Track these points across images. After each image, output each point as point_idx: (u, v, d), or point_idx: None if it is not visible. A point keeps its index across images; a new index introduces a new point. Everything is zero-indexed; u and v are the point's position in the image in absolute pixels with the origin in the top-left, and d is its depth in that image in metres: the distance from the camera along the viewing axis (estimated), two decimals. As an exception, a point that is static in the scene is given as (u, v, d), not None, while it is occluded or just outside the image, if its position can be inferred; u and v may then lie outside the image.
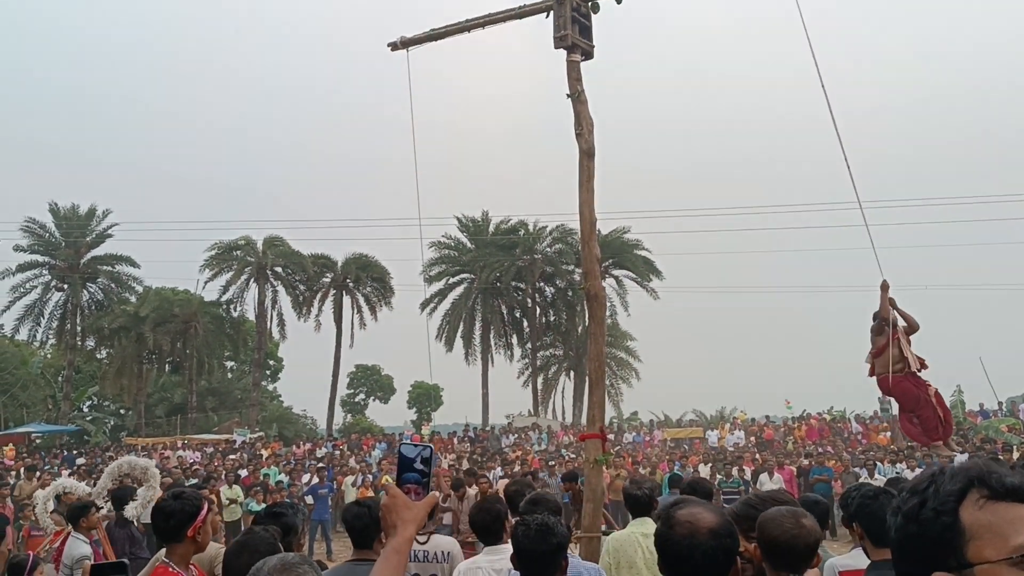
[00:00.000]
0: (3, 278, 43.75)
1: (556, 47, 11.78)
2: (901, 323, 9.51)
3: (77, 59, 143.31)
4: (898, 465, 19.51)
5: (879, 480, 17.32)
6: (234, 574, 3.06)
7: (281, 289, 46.79)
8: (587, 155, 11.39)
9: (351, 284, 47.15)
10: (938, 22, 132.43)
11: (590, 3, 11.71)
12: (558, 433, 35.18)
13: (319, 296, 47.02)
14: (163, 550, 3.78)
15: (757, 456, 24.53)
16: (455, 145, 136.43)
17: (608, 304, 35.46)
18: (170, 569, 3.63)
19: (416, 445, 2.14)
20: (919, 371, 9.18)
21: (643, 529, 5.30)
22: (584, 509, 8.25)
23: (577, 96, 11.51)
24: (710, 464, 22.25)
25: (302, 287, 46.56)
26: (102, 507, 8.27)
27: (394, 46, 11.39)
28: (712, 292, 67.02)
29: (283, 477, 20.93)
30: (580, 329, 46.37)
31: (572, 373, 49.08)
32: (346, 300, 47.35)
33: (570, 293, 46.76)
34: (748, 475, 20.65)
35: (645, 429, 39.96)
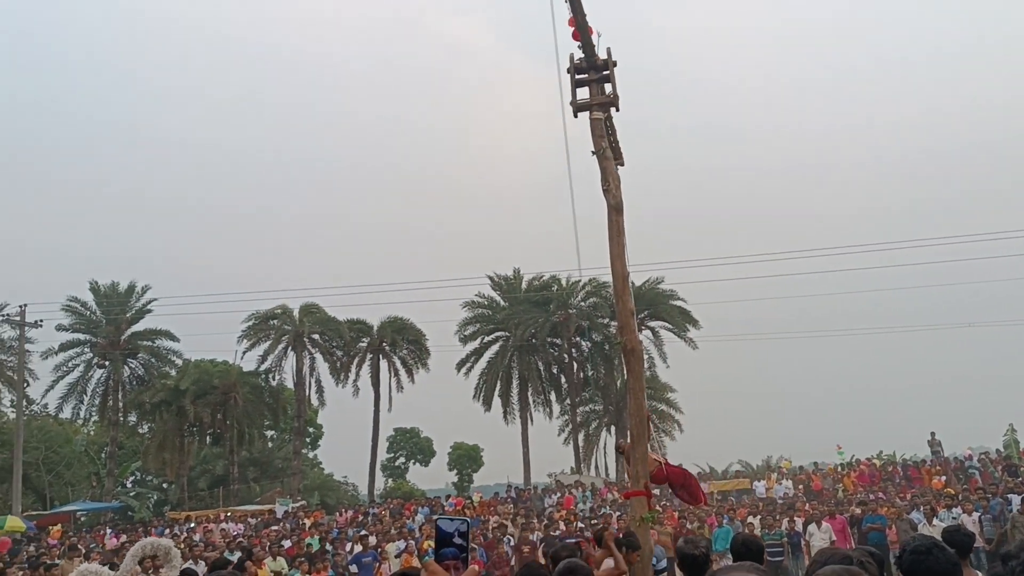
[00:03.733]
0: (46, 358, 44.51)
1: (575, 114, 11.92)
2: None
3: (112, 148, 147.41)
4: (954, 510, 18.91)
5: (937, 526, 16.79)
6: None
7: (318, 356, 47.10)
8: (615, 210, 11.44)
9: (387, 348, 47.31)
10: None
11: (595, 56, 11.82)
12: (602, 490, 34.63)
13: (356, 361, 47.20)
14: None
15: (807, 506, 23.90)
16: (485, 204, 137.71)
17: (646, 356, 35.22)
18: None
19: (453, 519, 2.11)
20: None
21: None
22: (635, 570, 8.06)
23: (602, 153, 11.60)
24: (759, 516, 21.73)
25: (339, 353, 46.79)
26: None
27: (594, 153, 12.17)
28: (752, 339, 66.25)
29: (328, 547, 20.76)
30: (619, 383, 45.96)
31: (613, 428, 48.52)
32: (383, 364, 47.51)
33: (607, 347, 46.44)
34: (799, 526, 20.13)
35: (690, 482, 39.19)
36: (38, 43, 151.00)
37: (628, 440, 11.19)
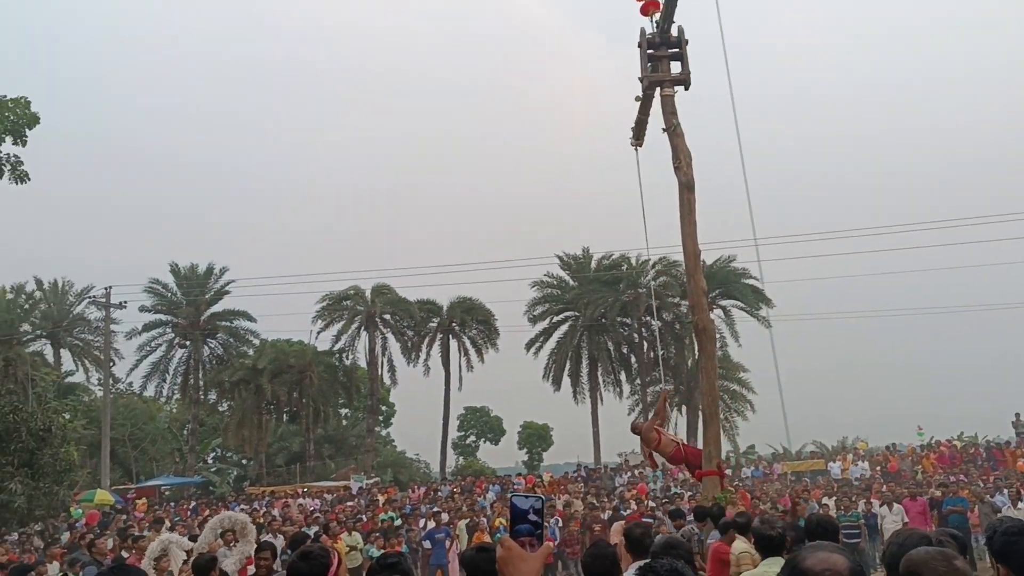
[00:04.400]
0: (130, 338, 46.19)
1: (644, 91, 11.81)
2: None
3: (194, 132, 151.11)
4: (1040, 493, 18.33)
5: (1023, 509, 16.30)
6: None
7: (390, 336, 47.78)
8: (687, 188, 11.32)
9: (457, 328, 47.72)
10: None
11: (668, 31, 11.66)
12: (672, 470, 34.44)
13: (426, 341, 47.75)
14: None
15: (884, 488, 23.40)
16: (554, 182, 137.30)
17: (718, 336, 34.75)
18: None
19: (528, 496, 2.13)
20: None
21: (775, 568, 5.11)
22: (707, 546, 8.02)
23: (673, 130, 11.48)
24: (834, 498, 21.37)
25: (410, 333, 47.38)
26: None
27: (633, 144, 12.93)
28: (828, 318, 64.76)
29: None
30: (690, 362, 45.55)
31: (684, 408, 48.15)
32: (453, 344, 47.95)
33: (678, 326, 46.04)
34: (876, 508, 19.75)
35: (764, 463, 38.75)
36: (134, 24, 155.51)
37: (647, 419, 11.35)
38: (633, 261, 47.80)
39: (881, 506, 19.38)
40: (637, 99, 12.25)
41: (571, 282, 48.68)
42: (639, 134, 12.82)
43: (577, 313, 47.32)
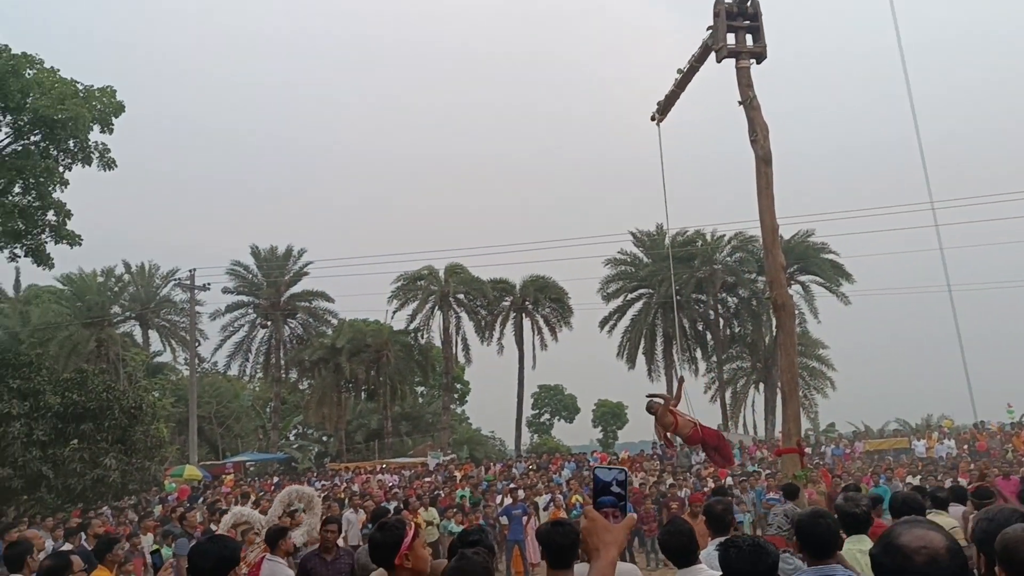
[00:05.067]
0: (214, 319, 47.69)
1: (718, 60, 11.59)
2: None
3: (272, 113, 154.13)
4: None
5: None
6: None
7: (464, 315, 48.15)
8: (764, 161, 11.11)
9: (530, 306, 47.83)
10: None
11: (745, 2, 11.42)
12: (750, 448, 34.05)
13: (500, 320, 48.00)
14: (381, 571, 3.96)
15: (972, 466, 22.69)
16: (625, 160, 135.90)
17: (796, 312, 34.08)
18: None
19: (611, 468, 2.14)
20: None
21: (860, 546, 5.06)
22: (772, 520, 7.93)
23: (749, 102, 11.27)
24: (919, 476, 20.83)
25: (483, 312, 47.68)
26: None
27: (654, 119, 12.82)
28: (911, 292, 62.89)
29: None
30: (768, 339, 44.86)
31: (762, 385, 47.49)
32: (526, 322, 48.10)
33: (754, 302, 45.36)
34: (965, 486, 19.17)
35: (845, 441, 37.97)
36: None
37: (665, 400, 11.25)
38: (708, 237, 47.20)
39: (970, 484, 18.81)
40: (679, 72, 12.03)
41: (645, 259, 48.32)
42: (666, 109, 12.68)
43: (651, 290, 46.98)
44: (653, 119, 12.81)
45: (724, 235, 46.74)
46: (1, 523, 17.05)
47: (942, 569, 1.93)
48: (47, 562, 5.09)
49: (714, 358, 48.10)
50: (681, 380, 11.70)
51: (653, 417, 11.17)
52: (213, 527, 13.16)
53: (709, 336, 48.35)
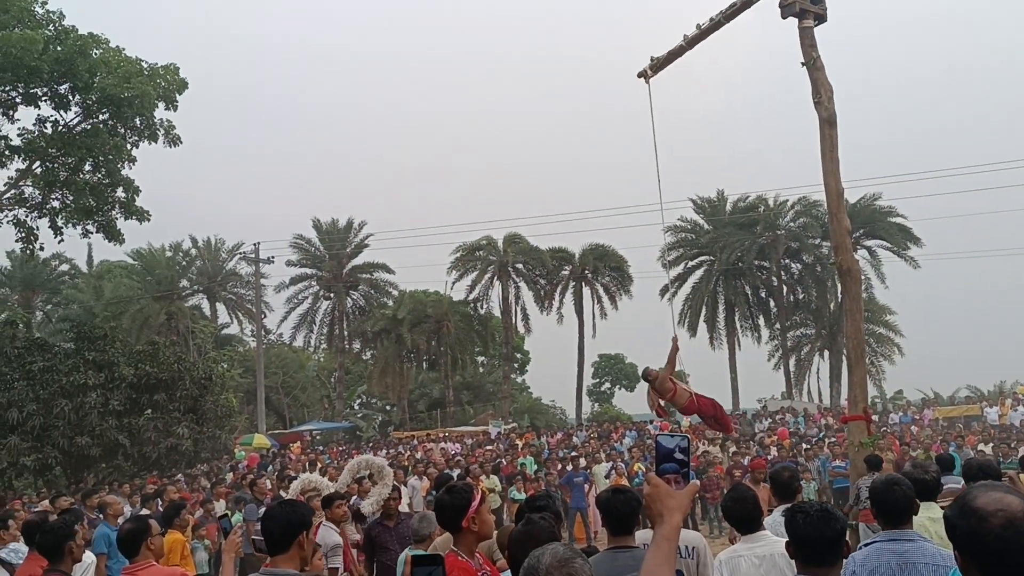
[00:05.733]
0: (279, 291, 48.66)
1: (784, 16, 11.29)
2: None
3: (335, 88, 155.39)
4: None
5: None
6: (518, 561, 3.20)
7: (523, 284, 48.22)
8: (828, 123, 10.85)
9: (589, 275, 47.65)
10: None
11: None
12: (815, 416, 33.59)
13: (559, 289, 47.92)
14: (447, 535, 4.04)
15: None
16: (685, 124, 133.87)
17: (862, 277, 33.35)
18: (459, 558, 3.87)
19: (674, 435, 2.14)
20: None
21: (929, 514, 4.98)
22: (852, 493, 7.83)
23: (812, 63, 10.98)
24: (991, 443, 20.34)
25: (542, 281, 47.66)
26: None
27: (644, 76, 11.84)
28: (981, 256, 61.01)
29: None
30: (833, 306, 44.04)
31: (827, 352, 46.70)
32: (586, 291, 47.94)
33: (819, 268, 44.51)
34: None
35: (913, 409, 37.19)
36: None
37: (660, 368, 10.86)
38: (770, 202, 46.38)
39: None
40: (699, 27, 11.62)
41: (706, 226, 47.72)
42: (663, 66, 11.90)
43: (712, 257, 46.43)
44: (642, 76, 11.98)
45: (787, 200, 45.89)
46: (81, 489, 17.72)
47: (1019, 532, 1.87)
48: (128, 525, 5.29)
49: (777, 325, 47.41)
50: (674, 340, 11.07)
51: (648, 384, 10.79)
52: (283, 494, 13.49)
53: (772, 303, 47.66)
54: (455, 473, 17.87)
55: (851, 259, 10.60)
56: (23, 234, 25.46)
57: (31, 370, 23.47)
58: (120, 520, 10.82)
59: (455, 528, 4.00)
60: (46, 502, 14.83)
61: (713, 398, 11.26)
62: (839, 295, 38.23)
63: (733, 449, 22.18)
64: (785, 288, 47.22)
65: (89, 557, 6.32)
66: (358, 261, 50.17)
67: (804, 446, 21.39)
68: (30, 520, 7.50)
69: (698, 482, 2.12)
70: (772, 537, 4.58)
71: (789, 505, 3.83)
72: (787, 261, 46.57)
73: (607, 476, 19.20)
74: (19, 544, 8.01)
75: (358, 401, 60.06)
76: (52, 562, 5.20)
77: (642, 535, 4.43)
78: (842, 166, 10.87)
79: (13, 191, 25.04)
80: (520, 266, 47.80)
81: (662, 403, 10.89)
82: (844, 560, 3.48)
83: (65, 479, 23.07)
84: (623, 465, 20.41)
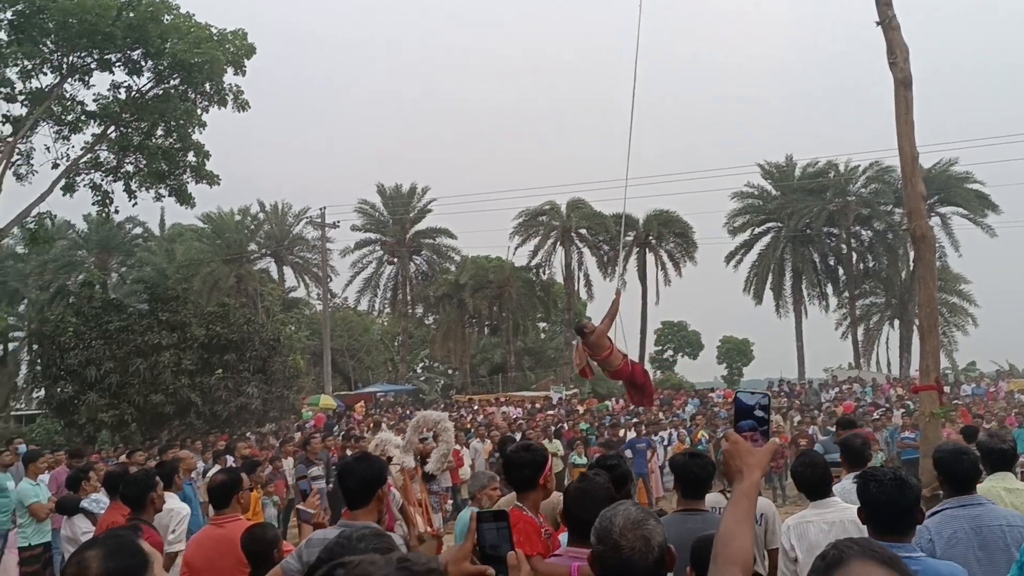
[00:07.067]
0: (344, 255, 49.36)
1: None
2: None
3: (393, 50, 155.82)
4: None
5: None
6: (575, 517, 3.22)
7: (586, 251, 48.03)
8: (903, 85, 10.49)
9: (653, 241, 47.20)
10: None
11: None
12: (884, 386, 32.94)
13: (623, 255, 47.49)
14: (511, 495, 4.07)
15: None
16: (752, 88, 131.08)
17: (936, 245, 32.47)
18: (524, 513, 3.89)
19: (754, 392, 2.12)
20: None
21: (1005, 484, 4.87)
22: (922, 465, 7.69)
23: (888, 22, 10.60)
24: (1070, 418, 19.71)
25: (606, 247, 47.37)
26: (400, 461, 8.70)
27: None
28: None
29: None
30: (904, 274, 42.94)
31: (897, 322, 45.65)
32: (649, 257, 47.55)
33: (890, 236, 43.39)
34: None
35: (987, 380, 36.19)
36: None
37: (600, 321, 9.85)
38: (841, 168, 45.23)
39: None
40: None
41: (773, 192, 46.84)
42: None
43: (780, 224, 45.61)
44: None
45: (858, 165, 44.71)
46: (156, 445, 18.34)
47: None
48: (221, 477, 5.41)
49: (846, 294, 46.48)
50: (617, 294, 10.03)
51: (580, 339, 9.72)
52: (348, 452, 13.76)
53: (841, 271, 46.70)
54: (517, 436, 18.03)
55: (925, 225, 10.29)
56: (99, 197, 26.24)
57: (108, 329, 24.27)
58: (193, 475, 11.22)
59: (531, 485, 4.02)
60: (123, 456, 15.43)
61: (644, 367, 10.57)
62: (911, 263, 37.29)
63: (798, 419, 21.92)
64: (855, 255, 46.21)
65: (184, 509, 6.53)
66: (421, 226, 50.53)
67: (872, 416, 21.01)
68: (111, 471, 7.81)
69: (778, 440, 2.10)
70: (842, 503, 4.54)
71: (860, 471, 3.77)
72: (857, 228, 45.50)
73: (668, 444, 19.18)
74: (100, 495, 8.37)
75: (421, 365, 60.74)
76: (134, 511, 5.41)
77: (712, 498, 4.43)
78: (917, 130, 10.53)
79: (89, 155, 25.77)
80: (583, 231, 47.55)
81: (591, 362, 9.86)
82: (918, 527, 3.43)
83: (140, 435, 23.91)
84: (686, 432, 20.37)
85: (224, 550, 4.82)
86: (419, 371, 59.07)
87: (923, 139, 10.91)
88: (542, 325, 58.94)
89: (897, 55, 10.49)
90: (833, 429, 18.81)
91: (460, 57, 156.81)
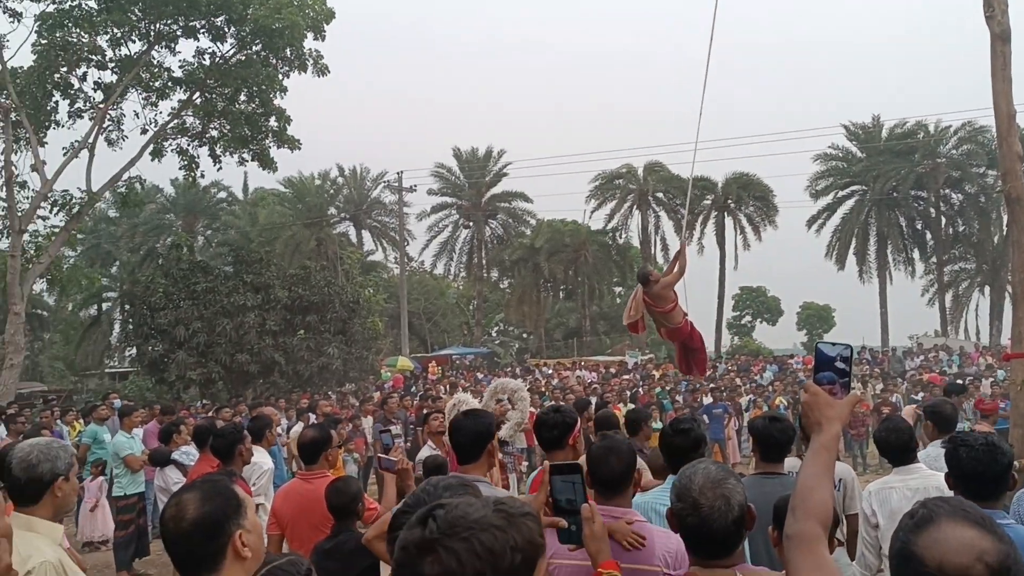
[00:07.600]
0: (420, 219, 49.85)
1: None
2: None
3: (471, 10, 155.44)
4: None
5: None
6: (600, 475, 3.20)
7: (663, 214, 47.51)
8: (1000, 39, 10.01)
9: (732, 205, 46.37)
10: None
11: None
12: (972, 355, 31.89)
13: (700, 219, 46.88)
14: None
15: None
16: (833, 49, 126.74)
17: (1031, 209, 31.07)
18: None
19: (835, 344, 2.08)
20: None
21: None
22: (1012, 435, 7.45)
23: (988, -29, 10.09)
24: None
25: (683, 211, 46.69)
26: None
27: None
28: None
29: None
30: (996, 238, 41.30)
31: (987, 288, 44.03)
32: (728, 221, 46.74)
33: (982, 199, 41.71)
34: None
35: (1083, 350, 34.67)
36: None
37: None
38: (931, 128, 43.52)
39: None
40: None
41: (858, 153, 45.42)
42: None
43: (865, 187, 44.25)
44: None
45: (950, 126, 42.95)
46: (241, 402, 18.95)
47: None
48: (312, 433, 5.55)
49: (933, 259, 44.98)
50: (682, 246, 9.37)
51: (642, 287, 8.82)
52: (425, 412, 14.01)
53: (928, 235, 45.16)
54: (592, 400, 18.09)
55: (1021, 187, 9.87)
56: (185, 162, 26.97)
57: (195, 291, 25.08)
58: (277, 430, 11.59)
59: (559, 445, 4.07)
60: (211, 413, 16.02)
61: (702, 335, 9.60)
62: (1004, 227, 35.82)
63: (880, 386, 21.41)
64: (944, 219, 44.60)
65: (268, 463, 6.73)
66: (497, 190, 50.60)
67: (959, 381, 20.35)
68: (201, 425, 8.13)
69: (859, 393, 2.06)
70: (927, 470, 4.44)
71: (949, 436, 3.68)
72: (947, 191, 43.86)
73: (747, 409, 19.00)
74: (190, 447, 8.73)
75: (496, 328, 61.14)
76: (224, 462, 5.63)
77: (791, 463, 4.39)
78: (1015, 86, 10.07)
79: (176, 121, 26.48)
80: (660, 195, 46.97)
81: (644, 314, 9.03)
82: (1011, 494, 3.35)
83: (227, 393, 24.74)
84: (763, 400, 20.12)
85: (310, 506, 4.96)
86: (494, 335, 59.50)
87: (1021, 97, 10.44)
88: (618, 290, 58.62)
89: (995, 7, 10.02)
90: (918, 397, 18.37)
91: (537, 26, 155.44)
